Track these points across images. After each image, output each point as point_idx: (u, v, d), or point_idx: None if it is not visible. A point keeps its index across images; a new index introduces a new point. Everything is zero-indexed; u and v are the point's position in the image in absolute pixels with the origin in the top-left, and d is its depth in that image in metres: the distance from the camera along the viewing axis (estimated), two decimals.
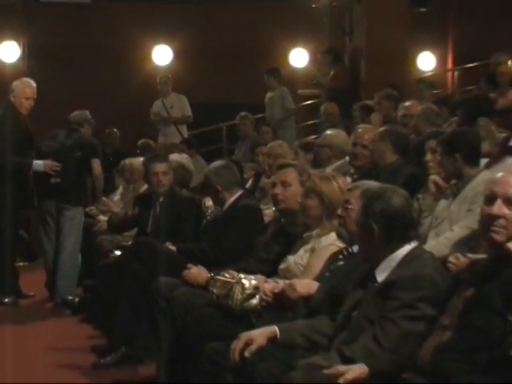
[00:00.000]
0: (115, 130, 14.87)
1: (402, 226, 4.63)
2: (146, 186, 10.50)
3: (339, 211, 5.40)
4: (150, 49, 18.13)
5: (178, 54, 17.96)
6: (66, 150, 10.27)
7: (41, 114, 10.57)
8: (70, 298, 9.46)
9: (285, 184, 6.78)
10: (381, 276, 4.55)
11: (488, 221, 3.89)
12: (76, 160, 10.27)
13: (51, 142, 10.44)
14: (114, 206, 11.13)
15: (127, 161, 11.60)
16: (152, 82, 14.60)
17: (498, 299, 3.72)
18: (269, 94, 13.80)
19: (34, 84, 10.38)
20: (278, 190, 6.81)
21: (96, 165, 10.48)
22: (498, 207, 3.84)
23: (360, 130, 8.60)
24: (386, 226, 4.52)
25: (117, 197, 11.77)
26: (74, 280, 10.18)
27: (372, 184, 5.23)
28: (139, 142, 13.27)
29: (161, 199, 8.78)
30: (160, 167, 8.73)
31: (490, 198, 3.91)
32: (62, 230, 10.27)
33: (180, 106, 14.11)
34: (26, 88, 10.28)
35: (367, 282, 4.67)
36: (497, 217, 3.84)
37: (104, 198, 11.31)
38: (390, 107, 10.85)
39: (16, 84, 10.32)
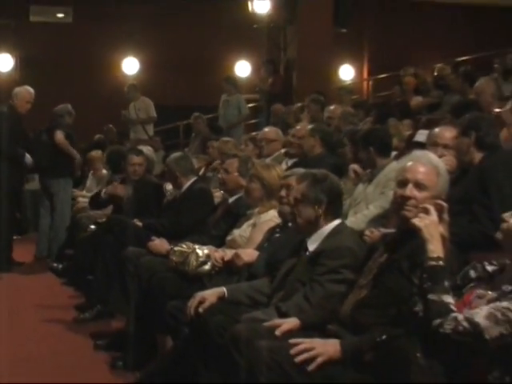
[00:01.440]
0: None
1: (339, 204, 4.74)
2: (104, 171, 10.84)
3: (282, 192, 5.37)
4: (120, 60, 18.07)
5: (143, 65, 17.93)
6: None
7: (30, 113, 10.53)
8: (55, 265, 9.42)
9: (227, 171, 6.91)
10: (312, 246, 4.56)
11: (401, 201, 3.90)
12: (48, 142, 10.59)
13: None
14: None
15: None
16: (122, 89, 14.51)
17: (406, 264, 3.74)
18: (224, 97, 13.73)
19: (32, 90, 10.54)
20: (221, 175, 7.13)
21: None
22: (410, 190, 3.86)
23: (296, 127, 8.80)
24: (331, 202, 4.56)
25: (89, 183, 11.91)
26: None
27: (302, 170, 5.23)
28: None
29: (133, 184, 8.79)
30: (136, 159, 8.79)
31: (403, 183, 3.92)
32: (54, 198, 10.58)
33: (146, 108, 14.03)
34: (27, 94, 10.47)
35: (300, 250, 4.68)
36: (408, 198, 3.86)
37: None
38: (316, 109, 10.85)
39: (19, 90, 10.50)
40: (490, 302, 3.25)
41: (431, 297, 3.24)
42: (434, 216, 3.50)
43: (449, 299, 3.25)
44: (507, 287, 3.28)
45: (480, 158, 5.21)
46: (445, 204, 3.63)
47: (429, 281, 3.30)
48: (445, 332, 3.14)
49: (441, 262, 3.35)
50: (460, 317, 3.15)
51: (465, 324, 3.13)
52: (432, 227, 3.45)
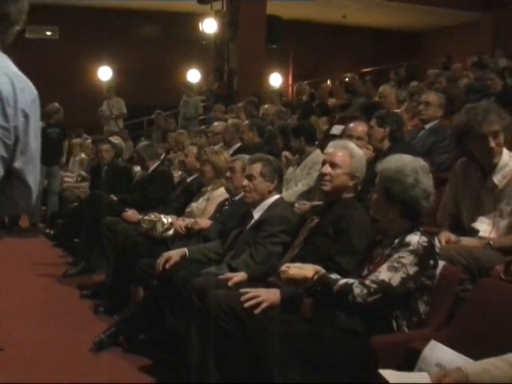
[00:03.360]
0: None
1: (281, 181, 4.85)
2: (83, 155, 10.74)
3: (228, 174, 5.33)
4: (96, 68, 18.01)
5: (115, 72, 17.90)
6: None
7: None
8: (48, 231, 9.32)
9: (186, 156, 6.90)
10: (256, 215, 4.53)
11: (320, 177, 3.94)
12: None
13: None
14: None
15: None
16: (98, 91, 14.34)
17: (330, 228, 3.74)
18: (184, 98, 13.65)
19: None
20: (182, 159, 7.23)
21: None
22: (325, 168, 3.88)
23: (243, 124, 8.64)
24: (280, 180, 4.67)
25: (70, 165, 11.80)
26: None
27: (246, 156, 5.21)
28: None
29: (105, 167, 8.75)
30: (103, 147, 8.84)
31: (323, 163, 3.95)
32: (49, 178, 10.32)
33: (118, 106, 13.90)
34: None
35: (246, 219, 4.65)
36: (324, 174, 3.87)
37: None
38: (252, 108, 10.80)
39: None
40: (386, 258, 3.22)
41: (334, 289, 3.20)
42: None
43: (343, 280, 3.23)
44: (394, 242, 3.27)
45: (387, 147, 5.23)
46: None
47: (321, 287, 3.28)
48: (361, 301, 3.11)
49: (316, 276, 3.33)
50: (366, 282, 3.13)
51: (373, 285, 3.12)
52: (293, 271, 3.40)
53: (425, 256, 3.14)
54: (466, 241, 3.80)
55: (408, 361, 2.86)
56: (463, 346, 2.82)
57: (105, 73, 17.92)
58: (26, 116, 2.04)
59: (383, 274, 3.12)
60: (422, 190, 3.26)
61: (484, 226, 3.89)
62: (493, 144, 3.81)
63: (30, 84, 2.10)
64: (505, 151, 3.89)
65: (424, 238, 3.17)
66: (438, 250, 3.25)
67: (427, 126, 6.22)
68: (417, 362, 2.81)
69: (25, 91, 2.05)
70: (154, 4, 17.29)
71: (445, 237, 3.82)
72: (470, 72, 11.35)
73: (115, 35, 17.61)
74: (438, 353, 2.77)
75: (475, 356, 2.66)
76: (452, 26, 18.53)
